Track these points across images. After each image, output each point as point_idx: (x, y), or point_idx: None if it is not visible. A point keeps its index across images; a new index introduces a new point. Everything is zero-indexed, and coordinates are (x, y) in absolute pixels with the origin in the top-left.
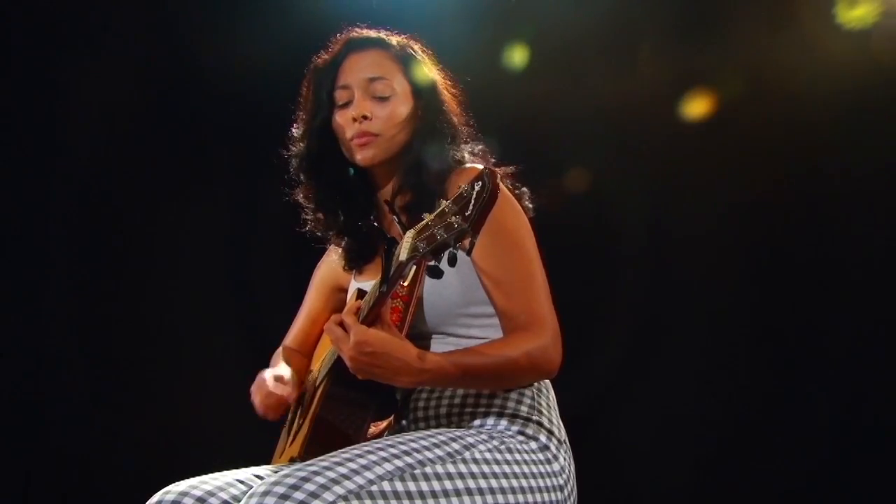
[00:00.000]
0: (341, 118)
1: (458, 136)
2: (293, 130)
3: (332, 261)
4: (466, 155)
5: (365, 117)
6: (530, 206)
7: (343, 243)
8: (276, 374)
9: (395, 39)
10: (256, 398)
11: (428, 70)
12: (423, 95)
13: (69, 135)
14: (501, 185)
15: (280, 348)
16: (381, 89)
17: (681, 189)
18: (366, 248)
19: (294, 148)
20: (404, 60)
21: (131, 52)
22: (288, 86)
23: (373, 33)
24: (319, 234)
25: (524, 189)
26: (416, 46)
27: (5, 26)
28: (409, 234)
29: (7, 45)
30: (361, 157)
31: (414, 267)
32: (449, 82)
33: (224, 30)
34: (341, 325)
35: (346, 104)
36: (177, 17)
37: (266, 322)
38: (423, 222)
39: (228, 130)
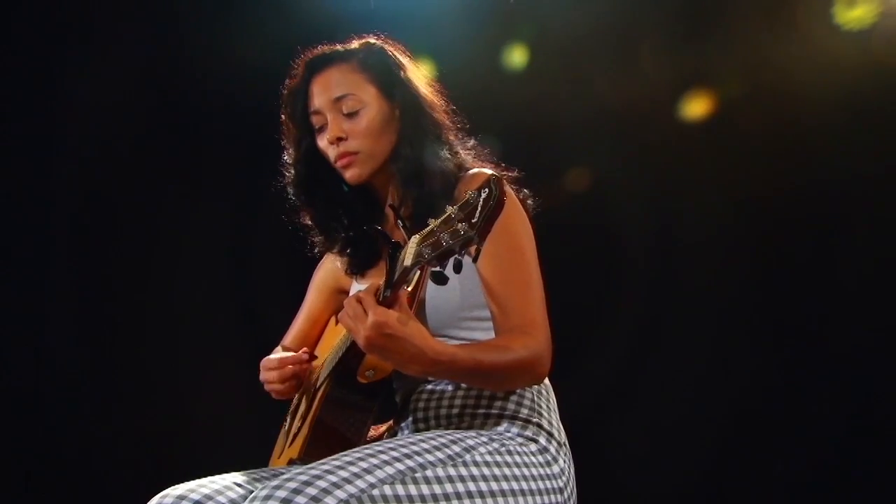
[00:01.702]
0: (322, 143)
1: (445, 130)
2: (285, 157)
3: (332, 262)
4: (462, 153)
5: (340, 139)
6: (530, 203)
7: (345, 253)
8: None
9: (355, 45)
10: (273, 374)
11: (396, 68)
12: (396, 95)
13: (69, 134)
14: (508, 191)
15: (278, 348)
16: (350, 105)
17: (681, 189)
18: (368, 255)
19: (287, 174)
20: (367, 67)
21: (132, 51)
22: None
23: (329, 49)
24: (326, 250)
25: (525, 191)
26: (380, 45)
27: (5, 25)
28: (414, 239)
29: (7, 44)
30: (349, 177)
31: (418, 272)
32: (427, 74)
33: (223, 30)
34: (360, 302)
35: (323, 128)
36: (177, 18)
37: (267, 324)
38: (429, 228)
39: (228, 130)
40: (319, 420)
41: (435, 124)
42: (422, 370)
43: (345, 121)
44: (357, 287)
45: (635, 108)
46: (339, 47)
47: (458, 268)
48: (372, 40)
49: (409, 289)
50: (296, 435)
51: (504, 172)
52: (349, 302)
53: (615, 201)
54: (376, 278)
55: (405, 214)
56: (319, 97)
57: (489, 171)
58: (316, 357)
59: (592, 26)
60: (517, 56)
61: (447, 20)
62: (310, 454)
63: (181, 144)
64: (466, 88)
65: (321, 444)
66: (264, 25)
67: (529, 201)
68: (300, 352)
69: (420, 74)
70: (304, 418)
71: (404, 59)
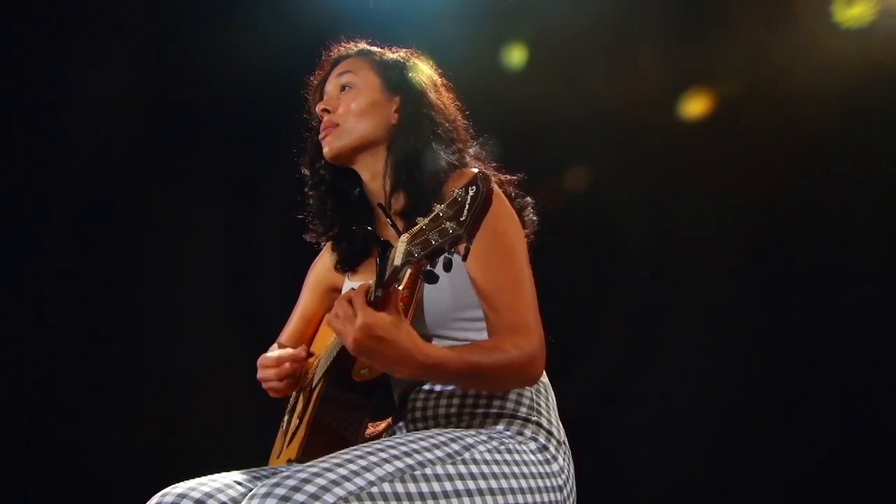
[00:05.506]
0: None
1: (447, 137)
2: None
3: (326, 261)
4: (465, 157)
5: (326, 110)
6: (534, 218)
7: (338, 246)
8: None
9: (377, 48)
10: (270, 372)
11: (408, 69)
12: (399, 89)
13: (69, 134)
14: (495, 189)
15: (274, 346)
16: (346, 80)
17: (681, 188)
18: (360, 250)
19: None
20: (377, 61)
21: (132, 51)
22: (287, 86)
23: (355, 45)
24: (317, 239)
25: (528, 199)
26: (404, 51)
27: (6, 25)
28: (404, 238)
29: (8, 43)
30: (326, 151)
31: (409, 270)
32: (448, 85)
33: (224, 30)
34: (350, 303)
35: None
36: (178, 18)
37: (266, 323)
38: (418, 227)
39: (229, 130)
40: (316, 420)
41: (437, 128)
42: (411, 373)
43: (337, 97)
44: (349, 285)
45: (635, 107)
46: (364, 46)
47: (447, 266)
48: (396, 47)
49: (401, 287)
50: (293, 435)
51: (506, 177)
52: (339, 302)
53: (614, 200)
54: (367, 276)
55: (396, 209)
56: (330, 82)
57: (476, 169)
58: (312, 354)
59: (591, 25)
60: (516, 56)
61: (446, 20)
62: (308, 455)
63: (181, 144)
64: (465, 88)
65: (319, 444)
66: (264, 25)
67: (529, 214)
68: (298, 349)
69: (438, 82)
70: (301, 417)
71: (431, 67)
